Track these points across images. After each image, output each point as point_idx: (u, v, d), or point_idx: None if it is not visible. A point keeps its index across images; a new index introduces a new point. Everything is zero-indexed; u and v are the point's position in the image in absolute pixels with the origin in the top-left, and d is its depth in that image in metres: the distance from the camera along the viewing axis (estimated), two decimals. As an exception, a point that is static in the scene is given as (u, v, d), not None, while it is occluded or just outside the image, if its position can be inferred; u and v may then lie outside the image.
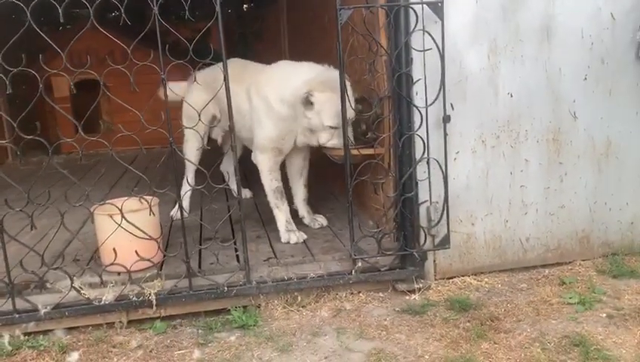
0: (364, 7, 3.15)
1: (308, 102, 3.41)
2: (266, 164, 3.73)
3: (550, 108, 3.37)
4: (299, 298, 3.15)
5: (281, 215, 3.75)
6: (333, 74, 3.36)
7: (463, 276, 3.38)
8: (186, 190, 4.06)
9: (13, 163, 7.14)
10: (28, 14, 2.69)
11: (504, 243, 3.44)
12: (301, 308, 3.12)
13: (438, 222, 3.27)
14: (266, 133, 3.64)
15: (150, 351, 2.79)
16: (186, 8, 2.79)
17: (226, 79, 2.97)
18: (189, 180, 4.19)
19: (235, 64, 3.86)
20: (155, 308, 3.00)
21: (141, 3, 2.87)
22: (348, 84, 3.27)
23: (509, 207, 3.41)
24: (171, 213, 4.15)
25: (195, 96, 3.82)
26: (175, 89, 4.20)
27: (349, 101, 3.21)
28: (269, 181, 3.75)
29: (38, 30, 2.75)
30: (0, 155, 6.80)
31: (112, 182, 5.62)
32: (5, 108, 6.19)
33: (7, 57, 2.75)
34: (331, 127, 3.42)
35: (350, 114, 3.33)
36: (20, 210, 2.87)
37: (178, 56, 2.91)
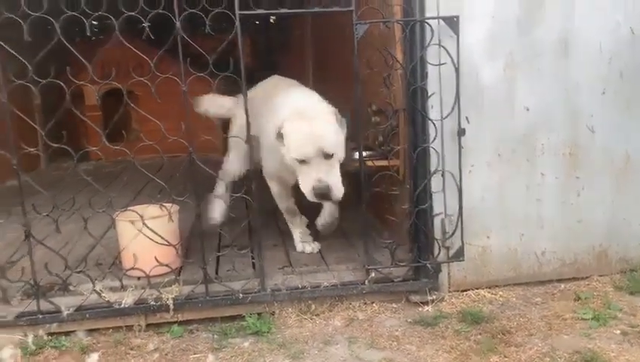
0: (380, 22, 3.22)
1: (280, 136, 3.16)
2: (274, 189, 3.73)
3: (567, 123, 3.37)
4: (312, 306, 3.20)
5: (296, 228, 3.80)
6: (313, 101, 3.25)
7: (477, 289, 3.38)
8: (219, 195, 4.12)
9: (45, 169, 7.39)
10: (57, 28, 2.83)
11: (519, 257, 3.43)
12: (314, 317, 3.17)
13: (453, 234, 3.29)
14: (268, 164, 3.60)
15: (166, 354, 2.87)
16: (207, 23, 2.90)
17: (243, 91, 3.06)
18: (218, 191, 4.22)
19: (268, 85, 3.86)
20: (172, 312, 3.08)
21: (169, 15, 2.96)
22: (331, 112, 3.13)
23: (525, 221, 3.41)
24: (210, 221, 4.11)
25: (239, 118, 3.65)
26: (218, 102, 4.22)
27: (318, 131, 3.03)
28: (279, 203, 3.77)
29: (66, 44, 2.88)
30: (33, 162, 7.04)
31: (138, 189, 5.77)
32: (39, 116, 6.42)
33: (39, 68, 2.90)
34: (298, 161, 3.05)
35: (308, 152, 2.99)
36: (47, 215, 3.00)
37: (203, 67, 3.01)
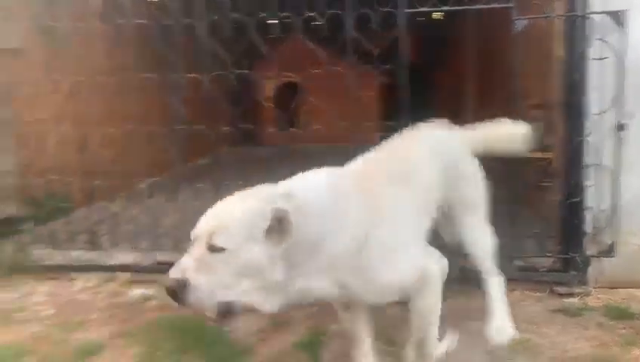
0: (541, 17, 3.30)
1: None
2: None
3: None
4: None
5: None
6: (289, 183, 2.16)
7: (628, 288, 3.31)
8: None
9: (227, 153, 8.41)
10: (252, 28, 3.38)
11: (680, 260, 3.29)
12: (457, 295, 3.36)
13: (605, 230, 3.26)
14: None
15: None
16: (372, 21, 3.25)
17: (404, 88, 3.36)
18: None
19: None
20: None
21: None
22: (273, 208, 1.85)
23: (689, 224, 3.25)
24: None
25: None
26: None
27: None
28: None
29: (258, 41, 3.42)
30: (218, 146, 8.06)
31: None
32: (225, 104, 7.34)
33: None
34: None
35: (194, 231, 1.84)
36: (227, 184, 3.59)
37: (369, 63, 3.37)
